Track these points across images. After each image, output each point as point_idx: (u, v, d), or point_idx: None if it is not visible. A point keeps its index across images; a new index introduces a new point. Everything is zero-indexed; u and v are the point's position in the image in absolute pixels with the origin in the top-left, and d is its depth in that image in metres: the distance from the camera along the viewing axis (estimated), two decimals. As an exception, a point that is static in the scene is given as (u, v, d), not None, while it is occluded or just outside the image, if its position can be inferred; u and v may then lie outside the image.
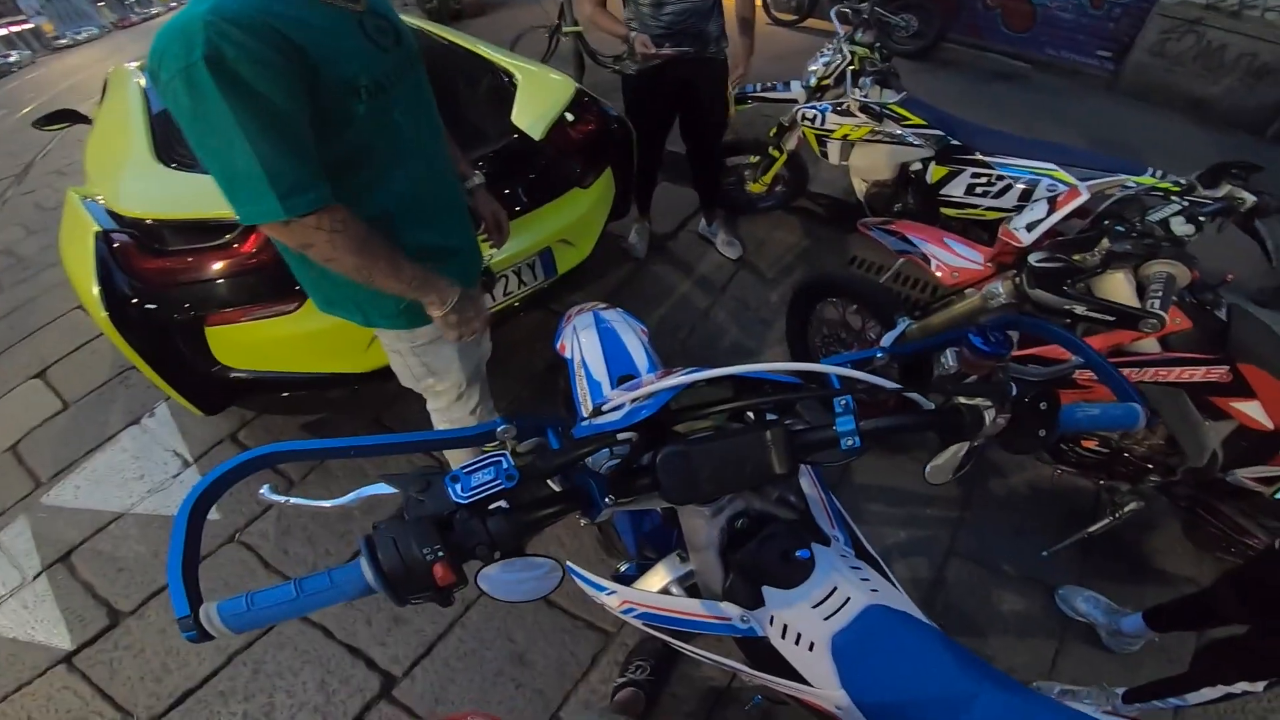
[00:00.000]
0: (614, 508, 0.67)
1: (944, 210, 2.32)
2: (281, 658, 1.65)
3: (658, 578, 0.84)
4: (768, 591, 0.71)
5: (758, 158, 2.88)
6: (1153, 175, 1.82)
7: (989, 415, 0.68)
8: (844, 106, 2.36)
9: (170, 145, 1.85)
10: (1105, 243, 1.34)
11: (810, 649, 0.68)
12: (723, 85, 2.46)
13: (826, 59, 2.48)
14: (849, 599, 0.70)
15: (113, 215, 1.70)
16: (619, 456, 0.71)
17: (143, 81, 2.23)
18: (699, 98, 2.43)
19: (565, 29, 4.53)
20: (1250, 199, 1.45)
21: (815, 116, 2.44)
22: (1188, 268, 1.31)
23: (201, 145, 0.89)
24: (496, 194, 1.91)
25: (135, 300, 1.61)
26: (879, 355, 0.78)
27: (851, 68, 2.37)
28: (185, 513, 0.55)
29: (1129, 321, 1.33)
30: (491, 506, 0.58)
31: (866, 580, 0.75)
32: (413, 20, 2.71)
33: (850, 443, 0.64)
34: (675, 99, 2.44)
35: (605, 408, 0.77)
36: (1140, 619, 1.56)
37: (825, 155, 2.52)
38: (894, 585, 0.79)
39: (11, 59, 25.95)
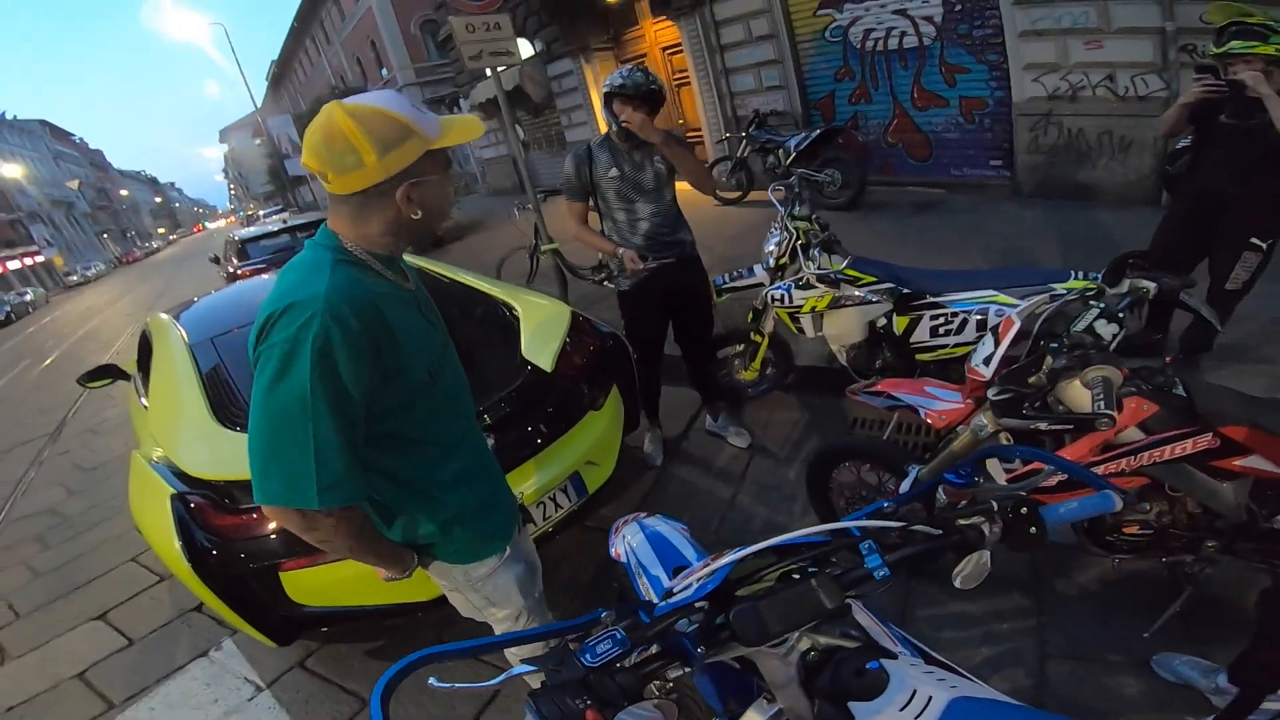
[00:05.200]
0: (705, 656, 0.86)
1: (919, 356, 2.65)
2: None
3: None
4: (855, 708, 0.84)
5: (743, 345, 3.27)
6: (1076, 277, 2.20)
7: (985, 528, 0.91)
8: (803, 281, 2.73)
9: (226, 406, 2.13)
10: (1049, 361, 1.61)
11: None
12: (705, 283, 2.83)
13: (777, 238, 2.87)
14: (931, 697, 0.82)
15: (181, 477, 1.96)
16: (696, 621, 0.90)
17: (184, 335, 2.53)
18: (688, 300, 2.78)
19: (543, 248, 5.08)
20: (1151, 286, 1.72)
21: (782, 296, 2.81)
22: (1116, 367, 1.55)
23: (263, 413, 0.96)
24: (520, 432, 2.16)
25: (215, 553, 1.84)
26: (886, 505, 1.00)
27: (799, 242, 2.75)
28: (378, 705, 0.73)
29: (1086, 426, 1.57)
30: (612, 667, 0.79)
31: (943, 680, 0.87)
32: (409, 258, 3.17)
33: (881, 573, 0.87)
34: (667, 306, 2.77)
35: (676, 590, 0.99)
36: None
37: (801, 331, 2.88)
38: (971, 680, 0.91)
39: (27, 297, 27.28)
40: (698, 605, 0.90)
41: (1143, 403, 1.59)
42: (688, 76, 9.19)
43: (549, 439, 2.23)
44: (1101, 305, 1.68)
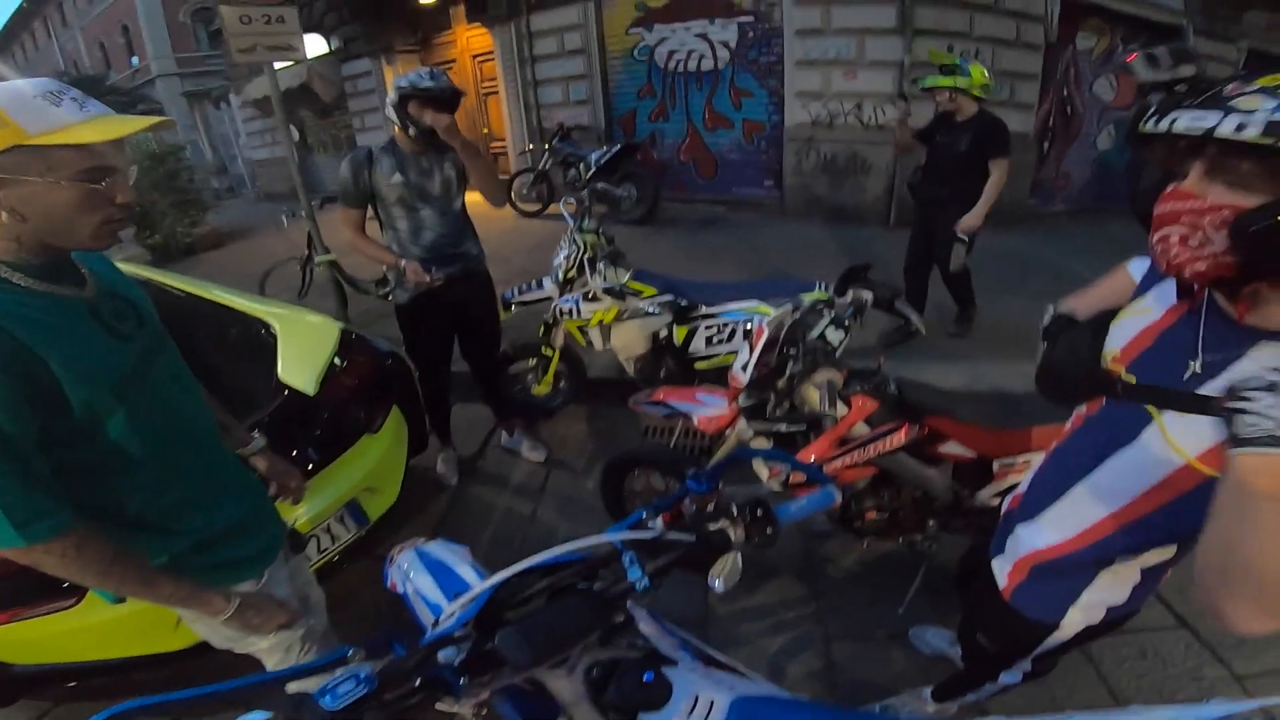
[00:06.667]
0: (472, 686, 0.84)
1: (697, 365, 2.88)
2: None
3: None
4: (644, 718, 0.88)
5: (534, 360, 3.31)
6: (819, 288, 2.55)
7: (730, 530, 0.98)
8: (590, 294, 2.85)
9: None
10: (790, 366, 1.88)
11: None
12: (491, 297, 2.80)
13: (566, 251, 2.96)
14: (714, 700, 0.90)
15: None
16: (465, 650, 0.88)
17: None
18: (472, 315, 2.75)
19: (318, 259, 4.60)
20: (868, 295, 2.07)
21: (571, 309, 2.92)
22: (838, 370, 1.86)
23: None
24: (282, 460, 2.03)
25: None
26: (643, 515, 1.03)
27: (587, 255, 2.86)
28: None
29: (816, 424, 1.84)
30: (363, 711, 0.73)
31: (722, 681, 0.95)
32: (138, 270, 2.76)
33: (642, 584, 0.90)
34: (450, 320, 2.72)
35: (442, 619, 0.96)
36: None
37: (591, 344, 3.00)
38: (749, 678, 1.01)
39: None
40: (458, 635, 0.89)
41: (866, 400, 1.88)
42: (496, 86, 9.15)
43: (317, 467, 2.09)
44: (832, 314, 1.96)
